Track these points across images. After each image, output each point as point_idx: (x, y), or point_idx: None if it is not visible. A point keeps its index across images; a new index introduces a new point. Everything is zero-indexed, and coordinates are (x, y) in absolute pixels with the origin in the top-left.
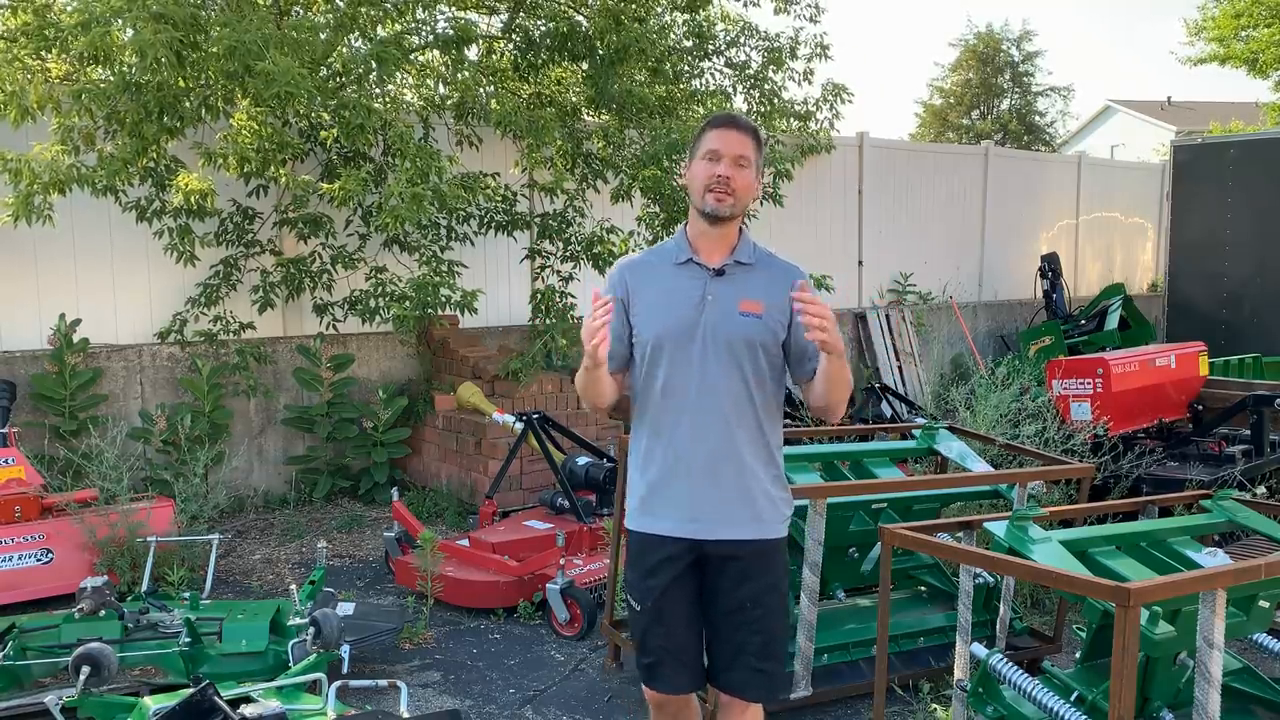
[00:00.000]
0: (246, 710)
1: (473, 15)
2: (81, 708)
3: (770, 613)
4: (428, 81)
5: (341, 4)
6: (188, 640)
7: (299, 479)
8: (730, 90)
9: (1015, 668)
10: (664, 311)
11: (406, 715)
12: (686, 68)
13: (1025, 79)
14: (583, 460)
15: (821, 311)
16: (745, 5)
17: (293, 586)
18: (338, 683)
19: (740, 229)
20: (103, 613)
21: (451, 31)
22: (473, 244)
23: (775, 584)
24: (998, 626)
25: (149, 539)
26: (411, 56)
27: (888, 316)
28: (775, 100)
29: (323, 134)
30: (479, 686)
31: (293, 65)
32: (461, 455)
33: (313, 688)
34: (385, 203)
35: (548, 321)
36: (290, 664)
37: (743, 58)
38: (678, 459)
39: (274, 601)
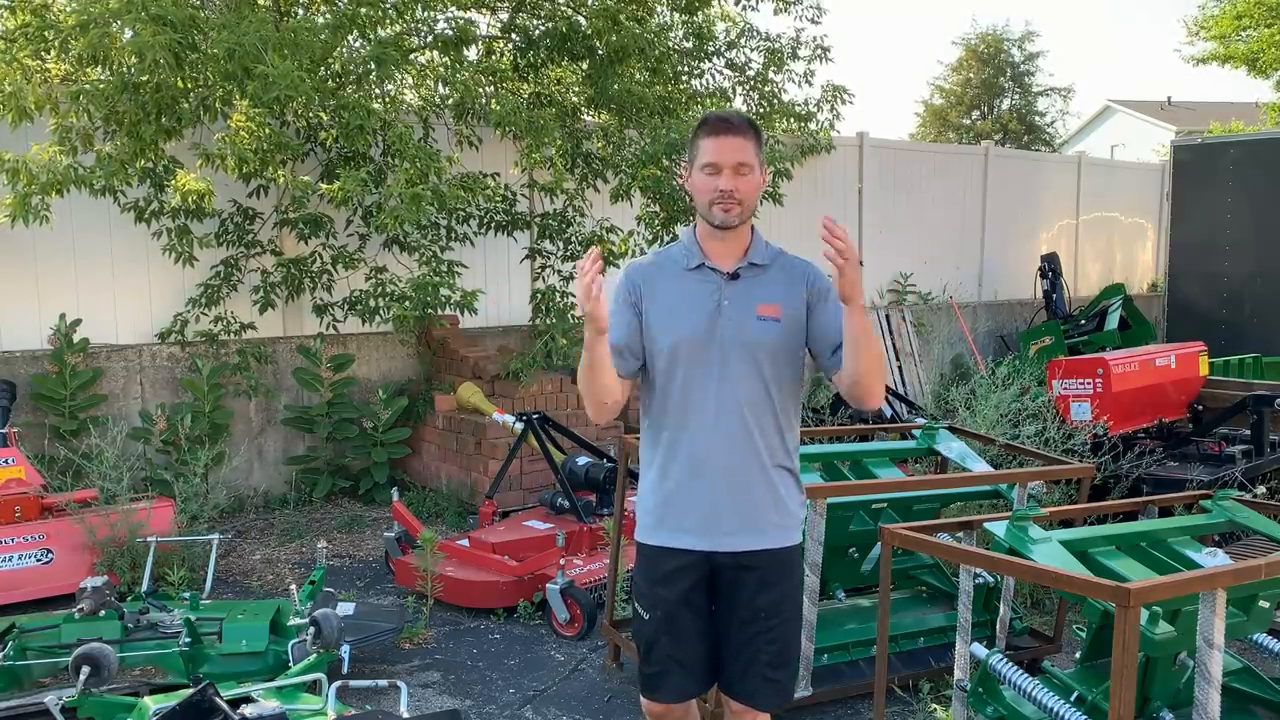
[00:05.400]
0: (246, 710)
1: (473, 15)
2: (81, 708)
3: (785, 622)
4: (427, 82)
5: (341, 4)
6: (188, 640)
7: (299, 479)
8: (730, 91)
9: (1015, 668)
10: (679, 318)
11: (406, 715)
12: (686, 68)
13: (1026, 79)
14: (583, 460)
15: (844, 238)
16: (744, 9)
17: (293, 586)
18: (338, 683)
19: (752, 228)
20: (103, 613)
21: (451, 32)
22: (473, 244)
23: (791, 592)
24: (998, 626)
25: (149, 539)
26: (411, 57)
27: (888, 316)
28: (775, 101)
29: (322, 134)
30: (479, 686)
31: (291, 67)
32: (461, 455)
33: (313, 688)
34: (385, 203)
35: (548, 321)
36: (290, 664)
37: (743, 59)
38: (694, 468)
39: (274, 601)
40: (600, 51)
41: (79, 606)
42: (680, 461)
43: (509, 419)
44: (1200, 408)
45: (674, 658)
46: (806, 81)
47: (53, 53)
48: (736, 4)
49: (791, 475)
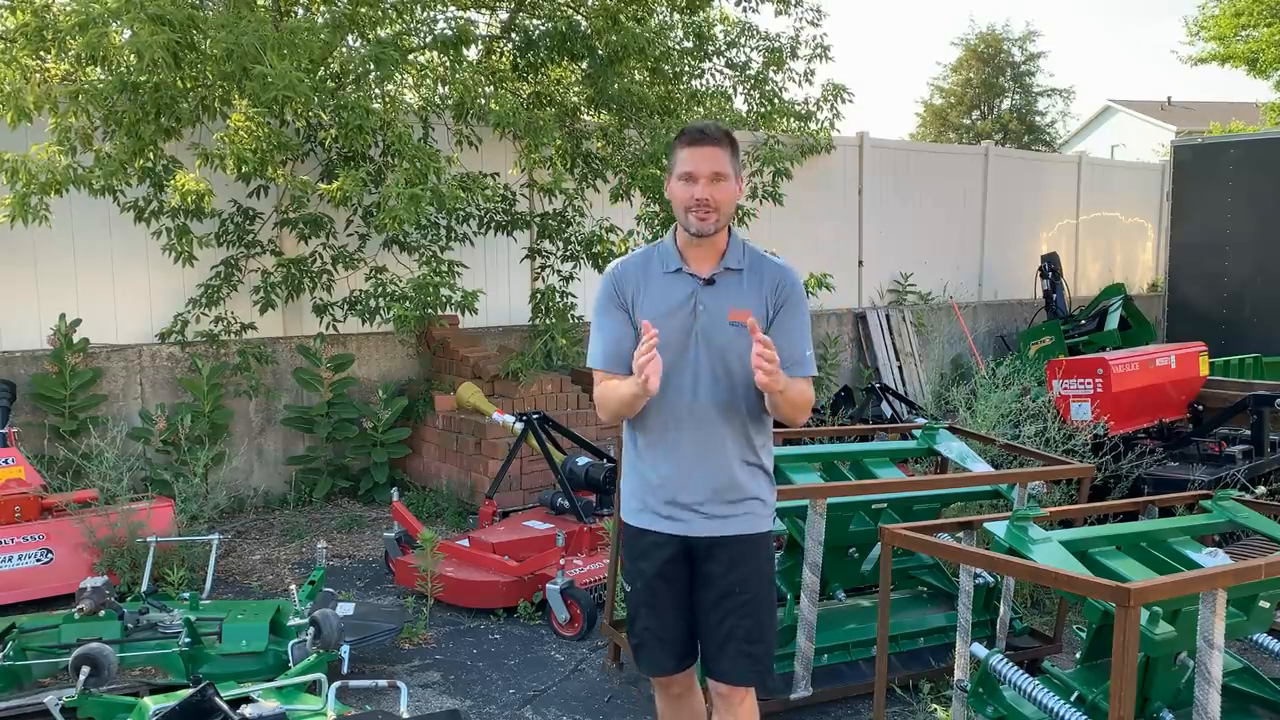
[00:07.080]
0: (246, 710)
1: (473, 15)
2: (81, 708)
3: (757, 598)
4: (427, 81)
5: (340, 4)
6: (188, 640)
7: (299, 479)
8: (730, 90)
9: (1015, 668)
10: (659, 320)
11: (406, 715)
12: (686, 68)
13: (1026, 79)
14: (583, 460)
15: (769, 356)
16: (744, 10)
17: (293, 586)
18: (338, 683)
19: (730, 230)
20: (103, 613)
21: (451, 32)
22: (472, 244)
23: (761, 570)
24: (998, 626)
25: (149, 539)
26: (410, 57)
27: (888, 316)
28: (775, 100)
29: (322, 134)
30: (479, 686)
31: (290, 68)
32: (461, 455)
33: (313, 688)
34: (384, 203)
35: (548, 321)
36: (290, 664)
37: (743, 58)
38: (669, 459)
39: (274, 601)
40: (600, 51)
41: (79, 606)
42: (657, 454)
43: (509, 419)
44: (1200, 408)
45: (651, 630)
46: (807, 80)
47: (52, 52)
48: (737, 5)
49: (762, 471)
